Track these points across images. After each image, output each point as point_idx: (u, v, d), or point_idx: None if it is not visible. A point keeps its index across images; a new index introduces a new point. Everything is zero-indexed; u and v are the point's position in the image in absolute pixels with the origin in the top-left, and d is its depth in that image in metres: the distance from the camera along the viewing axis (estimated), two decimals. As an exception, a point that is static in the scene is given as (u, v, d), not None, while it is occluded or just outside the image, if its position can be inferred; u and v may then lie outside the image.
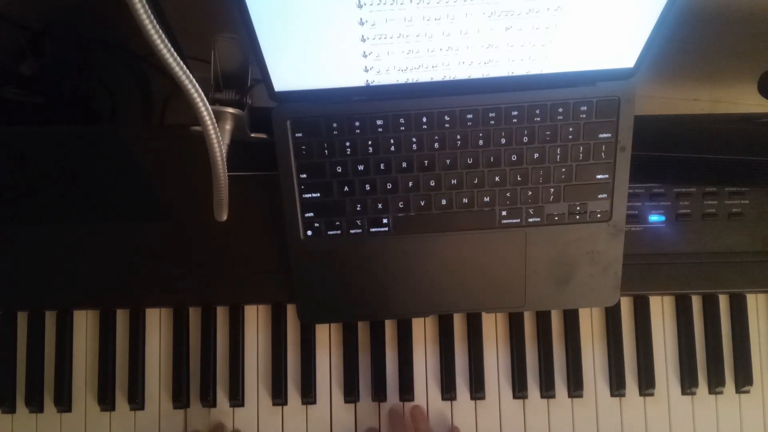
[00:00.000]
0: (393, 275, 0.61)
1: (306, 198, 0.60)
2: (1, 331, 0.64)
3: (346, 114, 0.57)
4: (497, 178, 0.59)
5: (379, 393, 0.64)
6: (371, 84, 0.55)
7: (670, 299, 0.66)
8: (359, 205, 0.60)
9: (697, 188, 0.64)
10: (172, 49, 0.40)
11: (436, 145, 0.58)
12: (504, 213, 0.60)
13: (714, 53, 0.94)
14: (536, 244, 0.60)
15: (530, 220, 0.60)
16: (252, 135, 0.59)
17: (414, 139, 0.58)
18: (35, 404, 0.63)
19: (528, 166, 0.59)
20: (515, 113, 0.57)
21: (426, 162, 0.59)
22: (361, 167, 0.59)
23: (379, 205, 0.60)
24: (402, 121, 0.58)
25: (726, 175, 0.63)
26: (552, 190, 0.59)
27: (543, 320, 0.65)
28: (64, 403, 0.63)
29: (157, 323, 0.65)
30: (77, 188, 0.63)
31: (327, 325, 0.65)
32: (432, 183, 0.59)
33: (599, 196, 0.60)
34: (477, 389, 0.64)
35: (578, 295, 0.61)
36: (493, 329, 0.65)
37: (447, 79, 0.55)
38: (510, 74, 0.55)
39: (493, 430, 0.64)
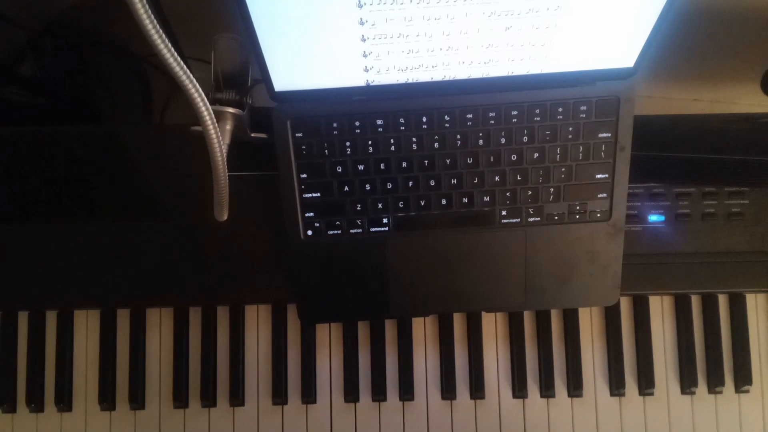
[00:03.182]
0: (393, 275, 0.61)
1: (306, 198, 0.60)
2: (2, 331, 0.64)
3: (346, 114, 0.57)
4: (497, 178, 0.59)
5: (379, 393, 0.64)
6: (371, 84, 0.55)
7: (670, 299, 0.66)
8: (359, 205, 0.60)
9: (696, 188, 0.64)
10: (173, 49, 0.40)
11: (436, 144, 0.58)
12: (504, 213, 0.60)
13: (714, 53, 0.94)
14: (536, 244, 0.60)
15: (530, 219, 0.60)
16: (252, 135, 0.59)
17: (414, 139, 0.58)
18: (35, 404, 0.63)
19: (528, 166, 0.59)
20: (515, 113, 0.57)
21: (426, 162, 0.59)
22: (361, 167, 0.59)
23: (379, 205, 0.60)
24: (402, 121, 0.58)
25: (726, 175, 0.63)
26: (552, 189, 0.59)
27: (543, 320, 0.65)
28: (64, 402, 0.63)
29: (157, 323, 0.65)
30: (77, 188, 0.63)
31: (327, 325, 0.65)
32: (432, 183, 0.59)
33: (599, 196, 0.60)
34: (477, 389, 0.64)
35: (578, 294, 0.61)
36: (493, 329, 0.65)
37: (447, 78, 0.55)
38: (510, 74, 0.55)
39: (493, 430, 0.64)
